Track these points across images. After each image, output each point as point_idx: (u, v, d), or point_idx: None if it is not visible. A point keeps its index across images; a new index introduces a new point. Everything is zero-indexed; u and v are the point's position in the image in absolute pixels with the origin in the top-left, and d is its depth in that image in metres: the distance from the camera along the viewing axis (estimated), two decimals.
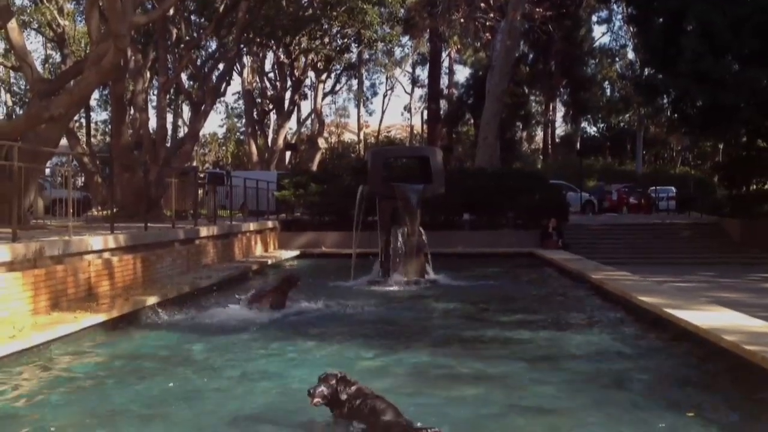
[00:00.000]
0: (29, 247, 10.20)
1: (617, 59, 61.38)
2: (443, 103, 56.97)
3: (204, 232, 18.38)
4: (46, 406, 6.83)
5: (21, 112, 44.42)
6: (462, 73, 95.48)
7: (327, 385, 5.93)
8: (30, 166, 13.95)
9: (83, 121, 44.95)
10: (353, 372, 6.46)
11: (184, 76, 35.23)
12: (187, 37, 30.58)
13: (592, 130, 67.88)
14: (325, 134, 61.01)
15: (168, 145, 28.93)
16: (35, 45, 57.03)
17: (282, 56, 45.90)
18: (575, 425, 6.27)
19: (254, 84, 51.22)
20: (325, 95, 56.26)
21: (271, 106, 51.81)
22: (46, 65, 47.81)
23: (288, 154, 51.86)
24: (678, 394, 7.20)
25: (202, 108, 28.55)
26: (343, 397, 5.89)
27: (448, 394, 7.15)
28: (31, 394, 7.19)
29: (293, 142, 53.88)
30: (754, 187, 30.24)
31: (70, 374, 7.97)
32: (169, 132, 34.04)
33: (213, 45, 36.33)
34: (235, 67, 40.50)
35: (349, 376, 6.08)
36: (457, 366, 8.41)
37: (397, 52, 60.54)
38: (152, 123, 30.04)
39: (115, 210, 17.00)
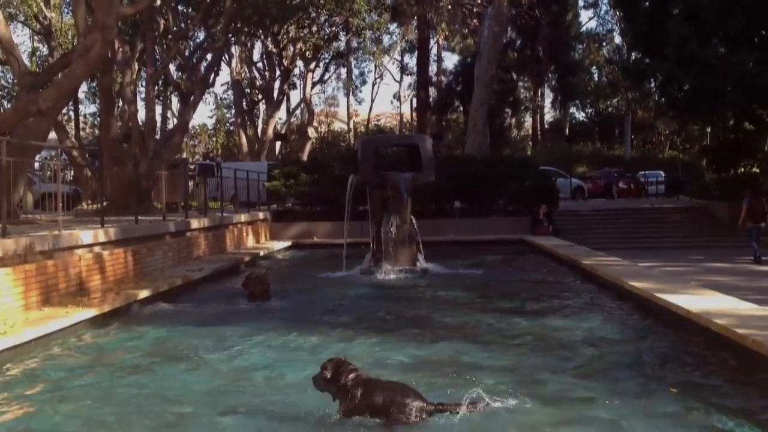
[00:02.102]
0: (19, 242, 10.18)
1: (604, 44, 61.62)
2: (432, 91, 56.90)
3: (195, 224, 18.36)
4: (38, 403, 6.81)
5: (9, 105, 44.18)
6: (450, 60, 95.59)
7: (331, 371, 5.95)
8: (19, 161, 13.89)
9: (72, 114, 44.70)
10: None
11: (172, 67, 35.06)
12: (175, 28, 30.43)
13: (580, 115, 68.10)
14: (315, 124, 60.83)
15: (157, 137, 28.83)
16: (22, 38, 56.88)
17: (270, 46, 45.71)
18: (570, 409, 6.31)
19: (243, 74, 50.98)
20: (314, 84, 56.07)
21: (260, 96, 51.61)
22: (34, 58, 47.45)
23: (278, 144, 51.70)
24: (669, 378, 7.24)
25: (191, 99, 28.46)
26: (344, 382, 5.91)
27: (441, 381, 7.17)
28: (22, 392, 7.16)
29: (283, 132, 53.67)
30: (742, 170, 30.32)
31: (61, 370, 7.94)
32: (159, 124, 33.93)
33: (201, 35, 36.21)
34: (223, 58, 40.30)
35: (350, 362, 6.11)
36: (451, 354, 8.43)
37: (386, 39, 60.40)
38: (141, 115, 29.97)
39: (105, 203, 16.95)
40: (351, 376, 5.94)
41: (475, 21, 40.57)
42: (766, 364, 7.12)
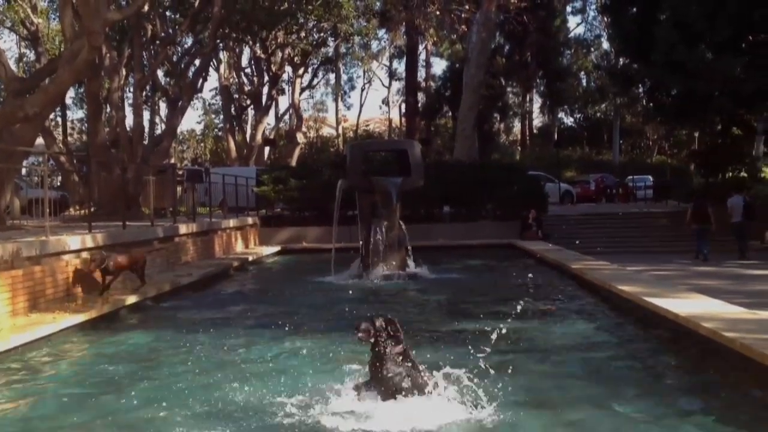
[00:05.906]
0: (6, 248, 10.12)
1: (592, 49, 61.80)
2: (421, 96, 56.99)
3: (183, 229, 18.30)
4: (24, 410, 6.79)
5: None
6: (439, 66, 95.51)
7: (393, 329, 6.33)
8: (5, 166, 13.83)
9: (59, 119, 44.64)
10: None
11: (160, 73, 35.02)
12: (163, 34, 30.37)
13: (569, 120, 68.27)
14: (304, 129, 60.68)
15: (145, 142, 28.75)
16: (9, 43, 56.63)
17: (258, 51, 45.67)
18: (558, 415, 6.31)
19: (231, 80, 50.93)
20: (302, 90, 56.01)
21: (248, 102, 51.57)
22: (20, 64, 47.26)
23: (267, 149, 51.65)
24: (657, 382, 7.26)
25: (179, 104, 28.41)
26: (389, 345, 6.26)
27: None
28: (8, 398, 7.13)
29: (272, 137, 53.65)
30: (730, 174, 30.46)
31: (47, 376, 7.92)
32: (146, 129, 33.73)
33: (189, 41, 36.12)
34: (211, 63, 40.26)
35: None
36: (444, 359, 8.41)
37: (374, 45, 60.42)
38: (129, 120, 29.82)
39: (92, 209, 16.88)
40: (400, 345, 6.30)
41: (463, 27, 40.63)
42: (754, 367, 7.14)
